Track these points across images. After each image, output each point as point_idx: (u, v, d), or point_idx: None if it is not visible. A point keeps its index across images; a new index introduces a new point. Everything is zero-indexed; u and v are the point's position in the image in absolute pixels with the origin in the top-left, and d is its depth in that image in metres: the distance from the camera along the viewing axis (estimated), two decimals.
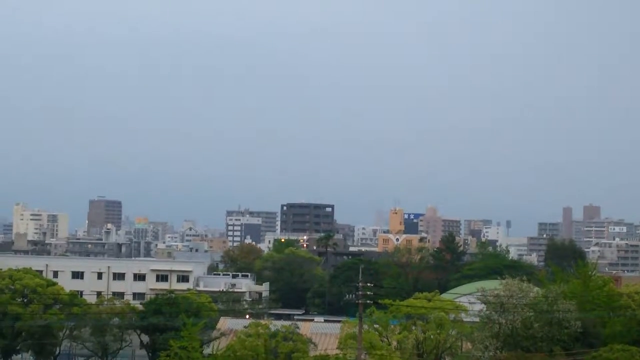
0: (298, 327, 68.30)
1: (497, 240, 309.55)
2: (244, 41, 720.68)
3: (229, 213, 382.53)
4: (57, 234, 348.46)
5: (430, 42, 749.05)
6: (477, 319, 72.88)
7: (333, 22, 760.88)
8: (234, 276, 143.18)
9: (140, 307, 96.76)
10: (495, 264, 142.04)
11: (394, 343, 65.24)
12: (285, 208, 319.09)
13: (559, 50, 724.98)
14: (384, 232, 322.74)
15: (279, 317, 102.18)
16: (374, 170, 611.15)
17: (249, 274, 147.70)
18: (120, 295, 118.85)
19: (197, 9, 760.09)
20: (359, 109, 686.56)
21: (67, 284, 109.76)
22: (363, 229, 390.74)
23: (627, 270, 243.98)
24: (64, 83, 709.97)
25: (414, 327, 67.67)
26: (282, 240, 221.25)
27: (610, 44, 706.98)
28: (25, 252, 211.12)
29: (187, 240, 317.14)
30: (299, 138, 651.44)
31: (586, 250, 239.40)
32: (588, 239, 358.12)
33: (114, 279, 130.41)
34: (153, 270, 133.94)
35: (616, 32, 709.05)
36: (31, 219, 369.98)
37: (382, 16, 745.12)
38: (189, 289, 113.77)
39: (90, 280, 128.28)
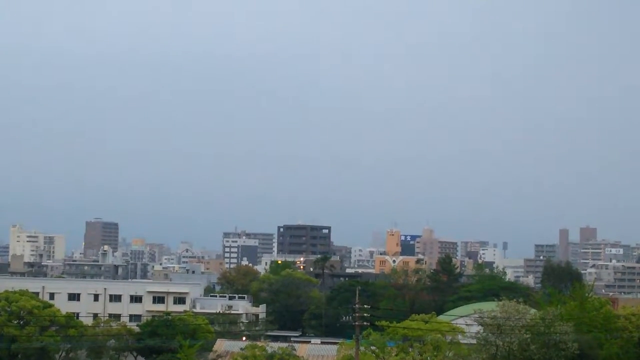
0: (295, 349, 68.25)
1: (493, 262, 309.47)
2: (236, 60, 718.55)
3: (226, 235, 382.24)
4: (53, 256, 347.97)
5: (426, 63, 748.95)
6: (474, 341, 72.74)
7: (330, 45, 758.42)
8: (230, 298, 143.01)
9: (137, 329, 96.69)
10: (492, 285, 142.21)
11: None
12: (282, 230, 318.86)
13: (557, 72, 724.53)
14: (381, 254, 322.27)
15: (275, 338, 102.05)
16: (371, 192, 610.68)
17: (245, 296, 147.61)
18: (117, 317, 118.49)
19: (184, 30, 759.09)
20: (356, 130, 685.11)
21: (64, 306, 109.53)
22: (360, 250, 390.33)
23: (624, 292, 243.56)
24: (61, 106, 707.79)
25: (410, 349, 67.54)
26: (279, 262, 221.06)
27: (609, 65, 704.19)
28: (22, 274, 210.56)
29: (184, 262, 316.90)
30: (295, 159, 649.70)
31: (583, 272, 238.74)
32: (585, 261, 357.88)
33: (111, 300, 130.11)
34: (150, 292, 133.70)
35: (617, 54, 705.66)
36: (28, 241, 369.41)
37: (383, 36, 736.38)
38: (185, 311, 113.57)
39: (86, 302, 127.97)
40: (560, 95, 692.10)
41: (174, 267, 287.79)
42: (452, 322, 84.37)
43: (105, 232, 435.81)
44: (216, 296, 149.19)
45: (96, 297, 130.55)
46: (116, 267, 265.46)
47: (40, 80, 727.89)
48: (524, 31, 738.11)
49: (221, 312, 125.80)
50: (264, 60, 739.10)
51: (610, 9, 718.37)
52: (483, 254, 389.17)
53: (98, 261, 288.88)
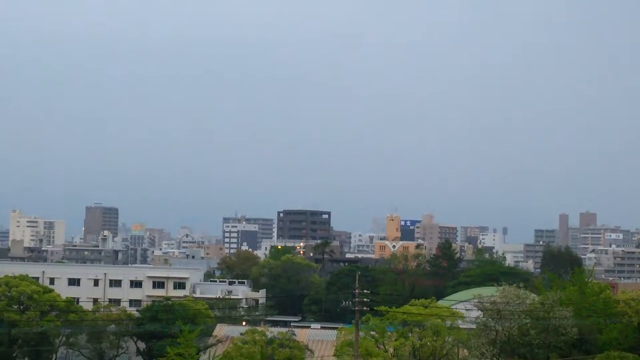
0: (294, 334, 68.33)
1: (493, 247, 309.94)
2: (244, 45, 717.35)
3: (226, 220, 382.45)
4: (53, 241, 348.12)
5: (433, 52, 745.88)
6: (474, 326, 72.88)
7: (335, 30, 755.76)
8: (230, 283, 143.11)
9: (137, 314, 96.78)
10: (491, 270, 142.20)
11: (391, 350, 65.24)
12: (281, 215, 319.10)
13: (555, 60, 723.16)
14: (381, 239, 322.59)
15: (275, 323, 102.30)
16: (371, 177, 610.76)
17: (245, 281, 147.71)
18: (117, 302, 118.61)
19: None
20: (358, 116, 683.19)
21: (64, 291, 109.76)
22: (360, 235, 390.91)
23: (624, 277, 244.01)
24: (60, 87, 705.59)
25: (410, 334, 67.67)
26: (279, 247, 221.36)
27: (603, 52, 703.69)
28: (22, 259, 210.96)
29: (184, 247, 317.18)
30: (296, 144, 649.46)
31: (582, 257, 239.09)
32: (584, 246, 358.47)
33: (111, 285, 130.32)
34: (150, 277, 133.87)
35: (608, 41, 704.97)
36: (27, 226, 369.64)
37: (390, 26, 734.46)
38: (185, 296, 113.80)
39: (86, 287, 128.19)
40: (558, 82, 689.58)
41: (173, 252, 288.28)
42: (452, 307, 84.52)
43: (105, 218, 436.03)
44: (216, 281, 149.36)
45: (96, 282, 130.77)
46: (116, 252, 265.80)
47: (38, 64, 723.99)
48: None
49: (221, 297, 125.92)
50: (266, 47, 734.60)
51: None
52: (483, 239, 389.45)
53: (98, 246, 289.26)
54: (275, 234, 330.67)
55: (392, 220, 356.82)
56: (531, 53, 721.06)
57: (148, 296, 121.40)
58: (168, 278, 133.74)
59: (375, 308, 74.33)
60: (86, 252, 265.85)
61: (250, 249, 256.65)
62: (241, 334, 68.58)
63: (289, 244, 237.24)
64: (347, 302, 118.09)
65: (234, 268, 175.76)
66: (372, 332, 66.78)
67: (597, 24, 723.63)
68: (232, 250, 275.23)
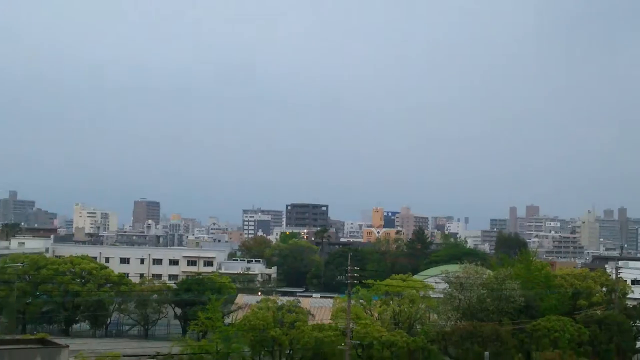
0: (299, 302, 68.24)
1: (457, 233, 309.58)
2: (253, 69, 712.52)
3: (245, 211, 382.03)
4: (108, 228, 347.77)
5: (423, 61, 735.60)
6: (442, 296, 72.95)
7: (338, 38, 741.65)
8: (248, 261, 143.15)
9: (174, 286, 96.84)
10: (455, 252, 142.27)
11: (376, 314, 65.27)
12: (289, 207, 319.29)
13: (513, 79, 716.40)
14: (368, 227, 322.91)
15: (284, 294, 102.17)
16: (360, 177, 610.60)
17: (260, 260, 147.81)
18: (159, 276, 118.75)
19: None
20: (352, 127, 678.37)
21: (116, 268, 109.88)
22: (351, 224, 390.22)
23: (560, 257, 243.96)
24: (110, 96, 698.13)
25: (391, 302, 67.69)
26: (287, 233, 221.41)
27: (551, 64, 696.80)
28: (83, 243, 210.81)
29: (212, 233, 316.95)
30: (300, 151, 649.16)
31: (528, 241, 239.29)
32: (529, 232, 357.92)
33: (154, 263, 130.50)
34: (184, 257, 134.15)
35: (564, 57, 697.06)
36: (88, 216, 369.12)
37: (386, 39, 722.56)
38: (213, 272, 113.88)
39: (134, 264, 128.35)
40: (519, 95, 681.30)
41: (203, 237, 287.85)
42: (424, 280, 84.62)
43: (149, 209, 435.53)
44: (237, 260, 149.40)
45: (142, 261, 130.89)
46: (158, 237, 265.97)
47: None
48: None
49: (241, 272, 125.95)
50: (275, 71, 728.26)
51: None
52: (449, 226, 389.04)
53: (144, 233, 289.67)
54: (284, 223, 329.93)
55: (377, 211, 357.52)
56: (501, 78, 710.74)
57: (183, 272, 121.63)
58: (199, 257, 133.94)
59: (363, 281, 74.44)
60: (134, 237, 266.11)
61: (264, 235, 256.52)
62: (257, 302, 68.58)
63: (295, 230, 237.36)
64: (341, 277, 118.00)
65: (251, 250, 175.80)
66: (361, 301, 66.82)
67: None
68: (250, 236, 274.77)
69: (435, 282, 79.23)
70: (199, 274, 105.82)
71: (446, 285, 74.85)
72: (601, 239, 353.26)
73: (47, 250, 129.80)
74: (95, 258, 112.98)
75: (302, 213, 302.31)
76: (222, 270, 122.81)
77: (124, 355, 53.58)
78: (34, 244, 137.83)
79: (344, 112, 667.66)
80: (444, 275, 78.77)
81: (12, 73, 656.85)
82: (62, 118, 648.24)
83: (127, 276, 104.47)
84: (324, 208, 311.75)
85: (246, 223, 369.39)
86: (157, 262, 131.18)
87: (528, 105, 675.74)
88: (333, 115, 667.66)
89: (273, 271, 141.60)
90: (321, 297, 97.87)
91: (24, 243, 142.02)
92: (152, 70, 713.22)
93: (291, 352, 53.09)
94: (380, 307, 66.85)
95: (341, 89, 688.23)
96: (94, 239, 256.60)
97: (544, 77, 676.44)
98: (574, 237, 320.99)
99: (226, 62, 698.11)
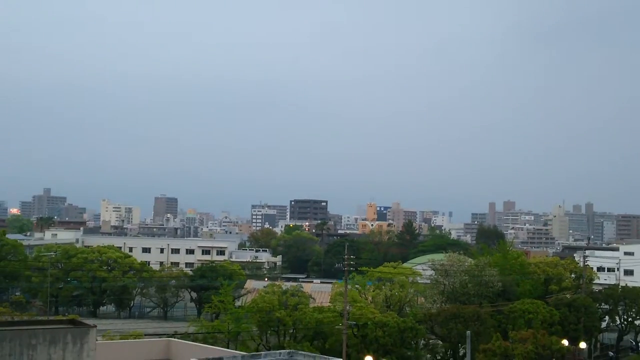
0: (302, 287, 68.28)
1: (442, 226, 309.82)
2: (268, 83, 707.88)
3: (253, 206, 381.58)
4: (131, 221, 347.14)
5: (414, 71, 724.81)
6: (428, 281, 72.98)
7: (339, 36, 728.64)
8: (256, 251, 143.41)
9: (190, 273, 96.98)
10: (441, 242, 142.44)
11: (369, 298, 65.26)
12: (293, 203, 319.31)
13: (492, 83, 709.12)
14: (363, 220, 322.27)
15: (288, 279, 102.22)
16: (356, 176, 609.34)
17: (267, 250, 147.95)
18: (176, 264, 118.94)
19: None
20: (346, 135, 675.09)
21: (139, 257, 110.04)
22: (348, 217, 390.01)
23: (534, 247, 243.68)
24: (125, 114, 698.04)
25: (383, 287, 67.71)
26: (291, 225, 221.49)
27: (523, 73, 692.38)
28: (109, 234, 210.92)
29: (224, 226, 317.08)
30: (304, 154, 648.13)
31: (505, 232, 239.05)
32: (506, 225, 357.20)
33: (172, 253, 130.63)
34: (199, 247, 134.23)
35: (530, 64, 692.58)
36: (113, 211, 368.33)
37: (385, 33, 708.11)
38: (225, 260, 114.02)
39: (155, 254, 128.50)
40: (500, 101, 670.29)
41: (216, 229, 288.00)
42: (413, 268, 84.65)
43: (168, 205, 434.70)
44: (246, 250, 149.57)
45: (162, 250, 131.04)
46: (176, 229, 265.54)
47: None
48: None
49: (250, 261, 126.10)
50: (280, 81, 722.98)
51: None
52: (435, 220, 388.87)
53: (163, 225, 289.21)
54: (288, 216, 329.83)
55: (371, 206, 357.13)
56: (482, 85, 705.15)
57: (198, 260, 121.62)
58: (212, 247, 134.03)
59: (358, 269, 74.64)
60: (154, 229, 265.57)
61: (270, 227, 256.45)
62: (264, 287, 68.58)
63: (298, 223, 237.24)
64: (339, 265, 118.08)
65: (259, 240, 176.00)
66: (357, 286, 66.82)
67: None
68: (257, 228, 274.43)
69: (423, 269, 79.29)
70: (212, 262, 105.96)
71: (432, 272, 74.88)
72: (570, 231, 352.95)
73: (77, 240, 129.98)
74: (120, 248, 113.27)
75: (304, 208, 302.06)
76: (233, 259, 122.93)
77: (145, 335, 53.60)
78: (65, 235, 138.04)
79: (341, 119, 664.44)
80: (430, 263, 78.84)
81: (44, 83, 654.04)
82: (85, 123, 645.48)
83: (149, 264, 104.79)
84: (323, 203, 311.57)
85: (254, 217, 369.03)
86: (175, 251, 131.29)
87: (502, 115, 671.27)
88: (331, 122, 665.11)
89: (278, 259, 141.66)
90: (321, 282, 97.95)
91: (56, 234, 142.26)
92: (165, 82, 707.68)
93: (294, 331, 53.06)
94: (373, 291, 66.88)
95: (338, 100, 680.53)
96: (119, 230, 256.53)
97: (515, 89, 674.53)
98: (546, 229, 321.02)
99: (243, 77, 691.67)
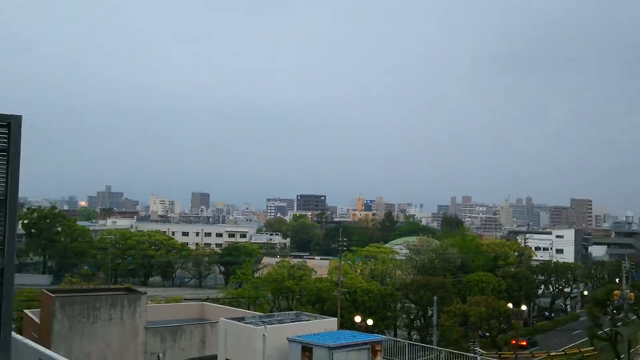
0: (305, 262, 68.30)
1: (415, 215, 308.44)
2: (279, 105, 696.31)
3: (268, 200, 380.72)
4: (173, 211, 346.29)
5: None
6: (404, 258, 73.08)
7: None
8: (270, 235, 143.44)
9: (219, 252, 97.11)
10: (413, 228, 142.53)
11: (358, 271, 65.34)
12: (298, 197, 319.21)
13: (457, 98, 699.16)
14: (353, 210, 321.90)
15: (295, 257, 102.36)
16: (349, 175, 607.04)
17: (279, 233, 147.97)
18: (208, 245, 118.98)
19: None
20: (342, 140, 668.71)
21: (179, 239, 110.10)
22: (342, 208, 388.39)
23: (486, 232, 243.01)
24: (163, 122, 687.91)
25: (369, 263, 67.81)
26: (297, 215, 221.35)
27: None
28: (156, 222, 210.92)
29: (245, 215, 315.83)
30: (307, 159, 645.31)
31: (463, 220, 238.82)
32: (464, 214, 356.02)
33: (205, 236, 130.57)
34: (226, 231, 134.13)
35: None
36: (159, 203, 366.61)
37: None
38: (246, 241, 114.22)
39: (192, 236, 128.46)
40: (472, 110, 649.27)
41: (239, 217, 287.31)
42: (392, 247, 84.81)
43: (202, 198, 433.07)
44: (262, 234, 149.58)
45: (197, 234, 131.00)
46: (208, 217, 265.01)
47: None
48: None
49: (265, 242, 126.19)
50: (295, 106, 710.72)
51: None
52: (409, 210, 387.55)
53: (198, 214, 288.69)
54: (295, 207, 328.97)
55: (359, 200, 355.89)
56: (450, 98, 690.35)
57: (226, 241, 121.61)
58: (236, 232, 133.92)
59: (350, 248, 74.64)
60: (191, 218, 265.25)
61: (281, 216, 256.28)
62: (276, 262, 68.62)
63: (303, 213, 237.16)
64: (334, 245, 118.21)
65: (272, 226, 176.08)
66: (348, 262, 66.88)
67: None
68: (271, 217, 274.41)
69: (399, 249, 79.44)
70: (236, 243, 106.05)
71: (407, 251, 75.03)
72: (514, 219, 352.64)
73: (131, 226, 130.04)
74: (165, 232, 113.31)
75: (308, 201, 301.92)
76: (252, 241, 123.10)
77: (184, 299, 53.64)
78: (122, 223, 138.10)
79: (335, 129, 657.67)
80: (405, 244, 78.96)
81: (112, 103, 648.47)
82: (137, 132, 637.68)
83: (187, 244, 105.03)
84: (322, 197, 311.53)
85: (269, 208, 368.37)
86: (207, 234, 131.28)
87: (465, 127, 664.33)
88: (326, 132, 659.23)
89: (287, 241, 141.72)
90: (320, 259, 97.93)
91: (115, 222, 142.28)
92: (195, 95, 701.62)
93: (300, 297, 53.11)
94: (361, 266, 66.96)
95: (329, 112, 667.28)
96: (164, 219, 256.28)
97: (475, 106, 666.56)
98: (495, 218, 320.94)
99: (252, 101, 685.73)
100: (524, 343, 58.09)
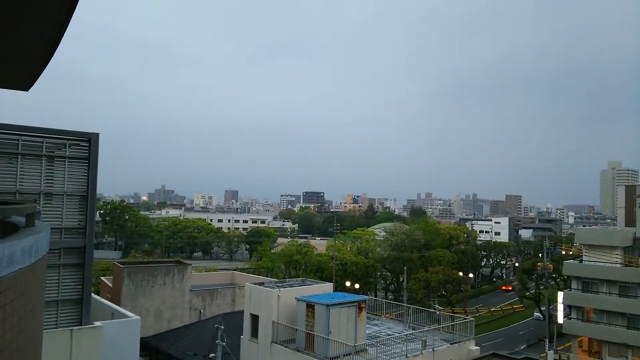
0: (309, 242, 68.14)
1: (390, 207, 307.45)
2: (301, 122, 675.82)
3: (282, 195, 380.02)
4: (211, 204, 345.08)
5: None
6: (382, 239, 72.91)
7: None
8: (283, 221, 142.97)
9: (245, 234, 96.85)
10: (389, 216, 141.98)
11: (348, 248, 65.20)
12: (304, 193, 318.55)
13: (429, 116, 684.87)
14: (345, 203, 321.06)
15: (301, 238, 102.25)
16: (342, 176, 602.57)
17: (289, 220, 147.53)
18: (237, 229, 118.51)
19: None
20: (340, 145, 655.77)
21: (216, 225, 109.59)
22: (336, 202, 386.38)
23: (443, 219, 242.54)
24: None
25: (356, 242, 67.63)
26: (303, 207, 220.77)
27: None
28: (198, 212, 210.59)
29: (264, 207, 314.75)
30: (309, 161, 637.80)
31: (427, 211, 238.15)
32: (427, 206, 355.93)
33: (235, 222, 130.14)
34: (250, 219, 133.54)
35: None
36: (201, 198, 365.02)
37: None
38: (265, 226, 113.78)
39: (225, 223, 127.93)
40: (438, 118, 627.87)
41: (260, 208, 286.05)
42: (374, 231, 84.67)
43: (232, 194, 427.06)
44: (277, 220, 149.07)
45: (229, 221, 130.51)
46: (237, 209, 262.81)
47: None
48: None
49: (279, 227, 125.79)
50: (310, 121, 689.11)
51: None
52: (386, 203, 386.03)
53: (230, 206, 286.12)
54: (301, 201, 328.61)
55: (349, 195, 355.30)
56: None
57: (250, 226, 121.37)
58: (258, 219, 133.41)
59: (342, 231, 74.41)
60: (225, 209, 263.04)
61: (291, 207, 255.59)
62: (287, 242, 68.50)
63: (307, 205, 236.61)
64: (331, 229, 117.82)
65: (284, 215, 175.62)
66: (341, 241, 66.71)
67: None
68: (284, 208, 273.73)
69: (379, 232, 79.26)
70: (258, 227, 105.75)
71: (384, 233, 74.81)
72: (464, 210, 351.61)
73: (180, 215, 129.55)
74: (205, 219, 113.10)
75: (311, 196, 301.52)
76: (270, 226, 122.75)
77: (219, 269, 53.43)
78: (173, 212, 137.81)
79: (330, 143, 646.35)
80: (383, 228, 78.73)
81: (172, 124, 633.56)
82: (182, 146, 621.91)
83: (221, 229, 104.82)
84: (322, 194, 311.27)
85: (282, 201, 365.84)
86: (236, 221, 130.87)
87: (434, 139, 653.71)
88: (323, 139, 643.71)
89: (296, 226, 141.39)
90: (320, 239, 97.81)
91: (168, 212, 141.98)
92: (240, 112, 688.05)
93: (305, 267, 53.04)
94: (350, 244, 66.80)
95: (316, 122, 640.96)
96: (204, 209, 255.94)
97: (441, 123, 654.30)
98: (450, 209, 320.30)
99: (266, 120, 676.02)
100: (510, 288, 59.29)
